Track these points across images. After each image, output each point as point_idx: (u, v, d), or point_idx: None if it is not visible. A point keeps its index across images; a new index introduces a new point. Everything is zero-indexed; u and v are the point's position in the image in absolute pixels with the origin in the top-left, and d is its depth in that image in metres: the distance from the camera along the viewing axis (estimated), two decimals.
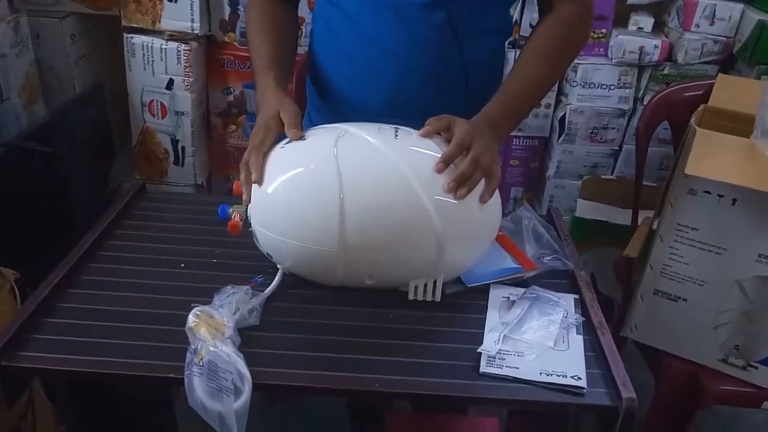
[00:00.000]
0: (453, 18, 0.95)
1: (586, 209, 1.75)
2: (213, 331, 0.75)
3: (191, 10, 1.64)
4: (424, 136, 0.85)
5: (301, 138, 0.86)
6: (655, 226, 1.25)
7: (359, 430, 1.48)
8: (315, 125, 0.92)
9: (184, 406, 0.73)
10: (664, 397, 1.23)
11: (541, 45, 0.98)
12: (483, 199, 0.84)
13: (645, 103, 1.72)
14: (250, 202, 0.85)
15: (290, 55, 1.04)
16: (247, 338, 0.78)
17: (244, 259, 0.93)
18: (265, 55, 0.98)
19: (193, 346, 0.74)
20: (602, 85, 1.75)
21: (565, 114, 1.76)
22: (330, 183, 0.81)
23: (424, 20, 0.95)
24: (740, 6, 1.67)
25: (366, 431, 1.44)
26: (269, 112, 0.89)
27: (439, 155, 0.83)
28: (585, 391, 0.73)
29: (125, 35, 1.66)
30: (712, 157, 1.07)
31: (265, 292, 0.86)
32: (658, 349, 1.23)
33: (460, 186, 0.81)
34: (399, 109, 0.97)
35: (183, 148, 1.75)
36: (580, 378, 0.74)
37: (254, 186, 0.85)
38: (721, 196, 1.08)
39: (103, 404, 1.01)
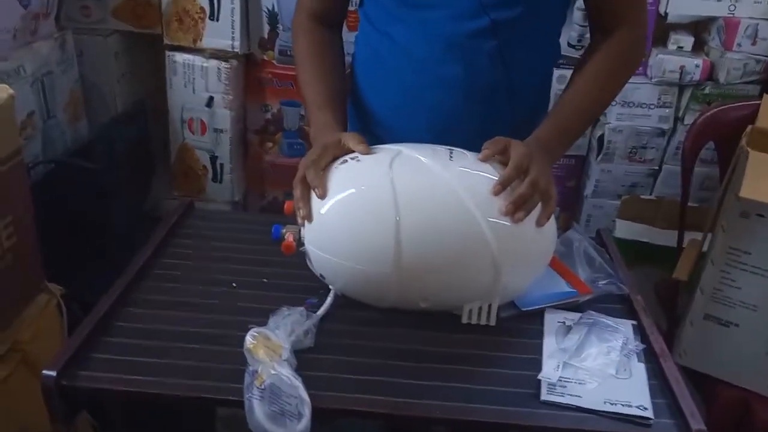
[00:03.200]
0: (502, 46, 0.95)
1: (624, 229, 1.73)
2: (270, 353, 0.75)
3: (232, 28, 1.66)
4: (483, 160, 0.84)
5: (367, 153, 0.85)
6: (704, 249, 1.22)
7: None
8: None
9: (225, 423, 0.72)
10: (714, 424, 1.20)
11: (597, 68, 0.97)
12: (540, 223, 0.83)
13: (686, 122, 1.71)
14: (310, 218, 0.84)
15: (342, 90, 1.04)
16: (302, 360, 0.77)
17: (295, 279, 0.92)
18: (320, 92, 0.98)
19: (251, 368, 0.73)
20: (642, 104, 1.73)
21: (603, 133, 1.75)
22: (386, 204, 0.80)
23: (476, 48, 0.94)
24: None
25: None
26: (329, 138, 0.88)
27: (494, 177, 0.82)
28: (652, 421, 0.71)
29: (167, 53, 1.68)
30: (766, 180, 1.05)
31: (319, 313, 0.86)
32: (708, 375, 1.20)
33: (518, 209, 0.80)
34: (444, 135, 0.96)
35: (221, 165, 1.76)
36: (646, 408, 0.72)
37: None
38: None
39: (147, 418, 1.01)
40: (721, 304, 1.14)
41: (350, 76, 1.13)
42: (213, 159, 1.76)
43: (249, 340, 0.76)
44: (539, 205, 0.83)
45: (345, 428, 1.56)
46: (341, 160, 0.88)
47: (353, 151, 0.86)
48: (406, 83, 1.00)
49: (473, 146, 0.88)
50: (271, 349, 0.76)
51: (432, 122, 1.00)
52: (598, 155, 1.77)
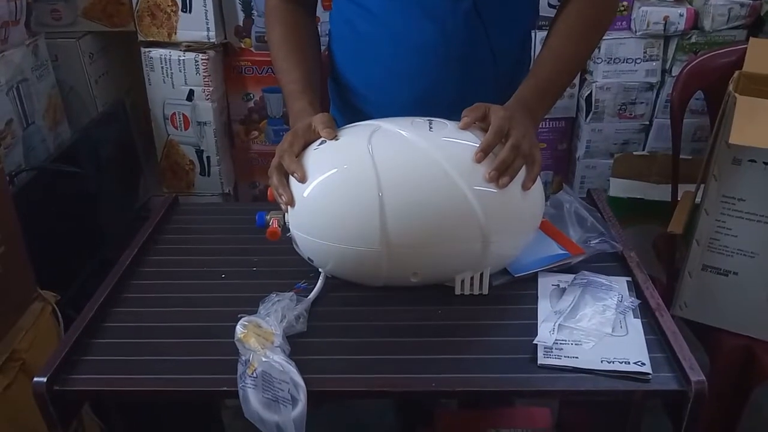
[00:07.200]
0: (478, 6, 0.93)
1: (619, 188, 1.71)
2: (262, 341, 0.74)
3: (206, 19, 1.63)
4: (463, 128, 0.83)
5: (335, 138, 0.84)
6: (698, 200, 1.21)
7: (407, 426, 1.47)
8: (340, 126, 0.90)
9: (232, 413, 0.72)
10: (719, 374, 1.20)
11: (570, 24, 0.95)
12: (525, 186, 0.82)
13: (673, 74, 1.68)
14: (292, 203, 0.83)
15: (318, 74, 1.02)
16: (295, 345, 0.76)
17: (284, 264, 0.91)
18: (296, 79, 0.96)
19: (244, 357, 0.73)
20: (627, 59, 1.70)
21: (591, 92, 1.72)
22: (368, 181, 0.79)
23: (451, 11, 0.93)
24: None
25: (415, 427, 1.43)
26: (301, 123, 0.87)
27: (476, 144, 0.81)
28: (650, 376, 0.70)
29: (142, 50, 1.66)
30: (755, 124, 1.03)
31: (309, 297, 0.85)
32: (710, 326, 1.19)
33: (502, 174, 0.79)
34: (427, 104, 0.95)
35: (208, 158, 1.75)
36: (644, 363, 0.71)
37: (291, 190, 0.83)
38: (766, 163, 1.04)
39: (152, 416, 1.01)
40: (718, 254, 1.13)
41: (328, 55, 1.11)
42: (199, 153, 1.74)
43: (239, 329, 0.75)
44: (524, 168, 0.82)
45: (359, 408, 1.57)
46: (319, 141, 0.86)
47: None
48: (384, 54, 0.99)
49: (458, 114, 0.86)
50: (262, 337, 0.75)
51: (413, 92, 0.99)
52: (587, 115, 1.75)
